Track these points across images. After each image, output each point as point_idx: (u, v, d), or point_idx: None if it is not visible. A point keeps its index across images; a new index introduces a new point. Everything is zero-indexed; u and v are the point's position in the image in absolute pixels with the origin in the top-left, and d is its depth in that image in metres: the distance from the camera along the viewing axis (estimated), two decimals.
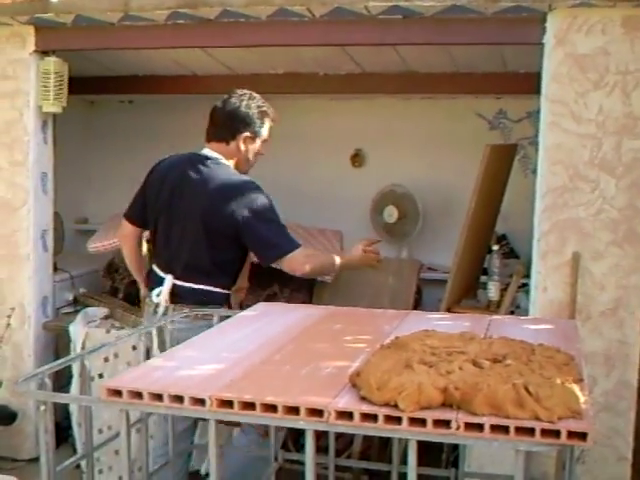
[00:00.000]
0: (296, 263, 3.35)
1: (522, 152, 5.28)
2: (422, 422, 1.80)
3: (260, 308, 3.15)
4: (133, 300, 4.64)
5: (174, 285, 3.43)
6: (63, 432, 4.30)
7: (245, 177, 3.49)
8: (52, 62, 4.35)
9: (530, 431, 1.74)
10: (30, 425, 4.47)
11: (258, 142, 3.55)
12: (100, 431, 4.01)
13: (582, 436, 1.72)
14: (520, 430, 1.75)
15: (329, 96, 5.43)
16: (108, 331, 4.30)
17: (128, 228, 3.68)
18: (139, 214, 3.62)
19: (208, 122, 3.55)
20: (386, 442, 3.86)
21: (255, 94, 3.55)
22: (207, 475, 3.63)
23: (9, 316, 4.40)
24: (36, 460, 4.26)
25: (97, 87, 5.41)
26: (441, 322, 2.75)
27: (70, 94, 4.46)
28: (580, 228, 3.72)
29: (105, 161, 6.04)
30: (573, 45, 3.68)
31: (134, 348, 3.92)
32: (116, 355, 4.13)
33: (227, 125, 3.48)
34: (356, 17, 3.87)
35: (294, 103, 5.54)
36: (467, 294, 4.57)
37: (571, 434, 1.72)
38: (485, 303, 4.36)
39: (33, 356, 4.51)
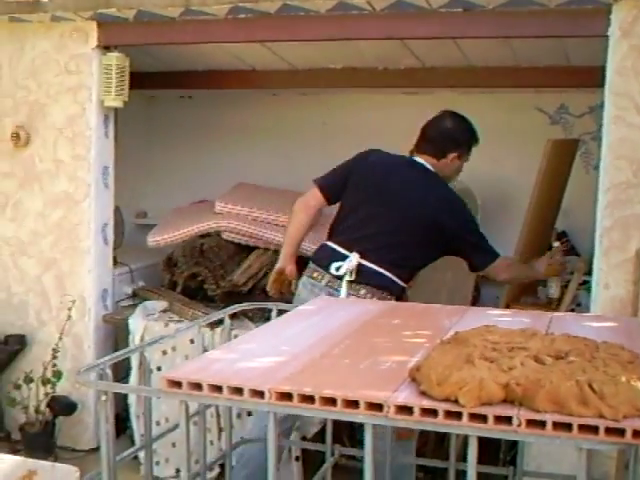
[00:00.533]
0: (499, 270, 3.79)
1: (584, 147, 5.17)
2: (483, 418, 1.77)
3: (319, 302, 3.15)
4: (191, 294, 4.67)
5: (357, 264, 3.63)
6: (121, 423, 4.34)
7: (455, 192, 3.85)
8: (114, 57, 4.40)
9: (593, 429, 1.70)
10: (89, 416, 4.53)
11: (462, 161, 3.88)
12: (158, 423, 4.05)
13: None
14: (583, 428, 1.71)
15: (388, 91, 5.39)
16: (167, 324, 4.33)
17: (317, 198, 3.86)
18: (334, 190, 3.84)
19: (419, 135, 3.89)
20: (442, 439, 3.83)
21: (465, 117, 3.87)
22: None
23: (70, 308, 4.45)
24: (95, 450, 4.35)
25: (157, 82, 5.43)
26: (501, 318, 2.71)
27: (130, 89, 4.50)
28: None
29: (165, 156, 6.06)
30: (639, 37, 3.59)
31: (192, 341, 3.95)
32: (174, 348, 4.16)
33: (438, 142, 3.82)
34: (417, 10, 3.84)
35: (352, 98, 5.54)
36: (527, 291, 4.51)
37: (637, 433, 1.67)
38: (545, 300, 4.31)
39: (93, 348, 4.57)
